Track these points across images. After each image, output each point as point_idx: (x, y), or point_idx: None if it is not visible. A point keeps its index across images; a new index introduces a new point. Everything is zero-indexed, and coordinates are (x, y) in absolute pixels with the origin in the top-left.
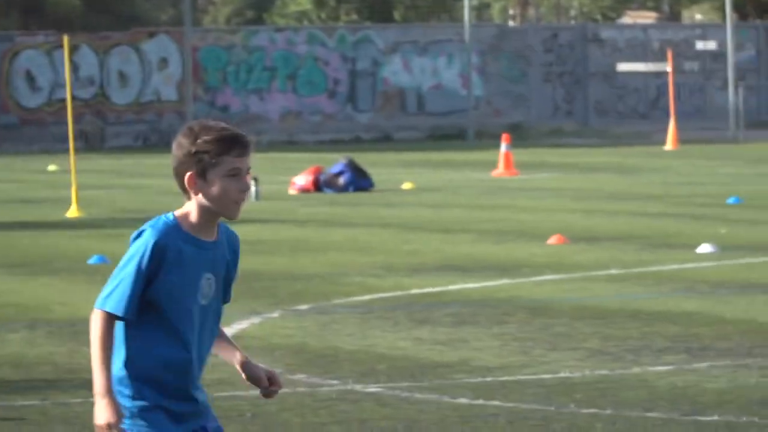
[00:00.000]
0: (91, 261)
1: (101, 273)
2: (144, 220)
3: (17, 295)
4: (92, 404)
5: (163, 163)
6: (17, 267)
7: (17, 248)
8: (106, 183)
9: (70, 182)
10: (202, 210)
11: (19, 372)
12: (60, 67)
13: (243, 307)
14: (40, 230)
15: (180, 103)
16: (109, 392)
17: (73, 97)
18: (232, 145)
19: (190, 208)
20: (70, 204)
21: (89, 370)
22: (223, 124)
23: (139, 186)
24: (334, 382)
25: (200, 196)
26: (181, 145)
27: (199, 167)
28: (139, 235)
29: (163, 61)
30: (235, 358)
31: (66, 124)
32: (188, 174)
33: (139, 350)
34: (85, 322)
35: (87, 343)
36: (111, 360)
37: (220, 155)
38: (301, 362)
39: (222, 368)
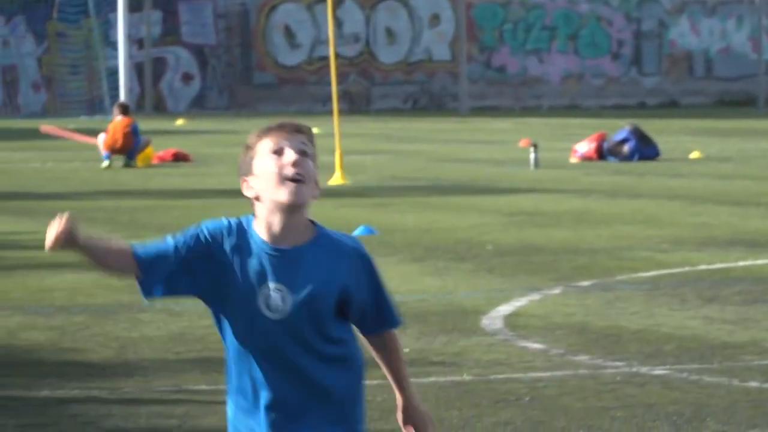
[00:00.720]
0: (357, 232)
1: (368, 244)
2: (414, 189)
3: None
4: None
5: (435, 127)
6: None
7: None
8: (372, 148)
9: (333, 147)
10: (263, 209)
11: None
12: (322, 23)
13: (522, 282)
14: None
15: (453, 63)
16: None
17: (337, 55)
18: (269, 129)
19: (257, 213)
20: (333, 170)
21: None
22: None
23: (408, 152)
24: (619, 363)
25: (257, 194)
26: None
27: (245, 166)
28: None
29: (435, 18)
30: (398, 397)
31: (328, 83)
32: (242, 180)
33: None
34: None
35: None
36: None
37: (258, 142)
38: (583, 342)
39: (498, 348)
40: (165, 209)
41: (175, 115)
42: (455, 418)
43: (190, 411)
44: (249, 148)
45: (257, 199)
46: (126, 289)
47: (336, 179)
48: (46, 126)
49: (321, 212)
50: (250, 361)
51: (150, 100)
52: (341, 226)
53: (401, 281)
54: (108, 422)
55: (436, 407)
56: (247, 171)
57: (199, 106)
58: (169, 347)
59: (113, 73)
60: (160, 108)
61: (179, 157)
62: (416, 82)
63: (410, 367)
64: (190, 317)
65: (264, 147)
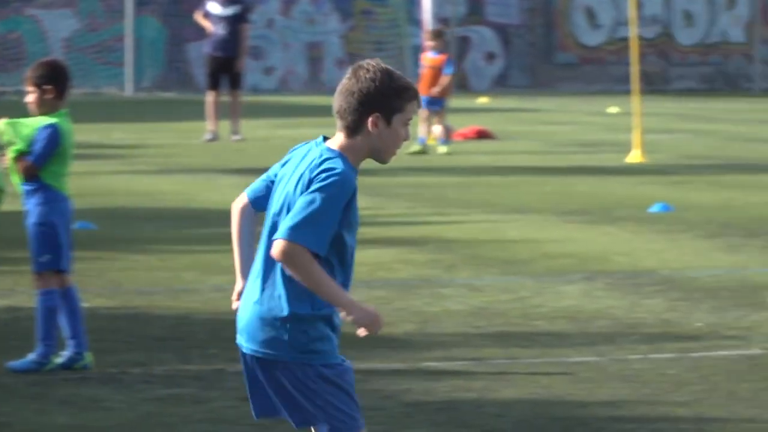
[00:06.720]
0: (653, 209)
1: (664, 222)
2: (709, 167)
3: (574, 245)
4: (652, 361)
5: (731, 107)
6: (574, 215)
7: (574, 195)
8: (669, 127)
9: (631, 125)
10: (368, 150)
11: (575, 326)
12: (622, 5)
13: None
14: (599, 176)
15: (747, 45)
16: None
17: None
18: (412, 97)
19: (354, 144)
20: (630, 149)
21: (650, 325)
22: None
23: (703, 131)
24: None
25: (373, 137)
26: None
27: (386, 111)
28: None
29: (731, 2)
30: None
31: (627, 64)
32: (374, 114)
33: None
34: (648, 274)
35: (648, 296)
36: None
37: (407, 105)
38: None
39: None
40: (467, 186)
41: (478, 93)
42: (745, 390)
43: (489, 385)
44: (398, 98)
45: (369, 136)
46: (428, 264)
47: (634, 157)
48: None
49: (619, 189)
50: None
51: (454, 78)
52: (638, 203)
53: (695, 257)
54: (408, 396)
55: (727, 380)
56: (387, 116)
57: (501, 84)
58: (469, 321)
59: (418, 51)
60: (463, 86)
61: (482, 135)
62: (711, 64)
63: (702, 341)
64: (491, 292)
65: (405, 112)
